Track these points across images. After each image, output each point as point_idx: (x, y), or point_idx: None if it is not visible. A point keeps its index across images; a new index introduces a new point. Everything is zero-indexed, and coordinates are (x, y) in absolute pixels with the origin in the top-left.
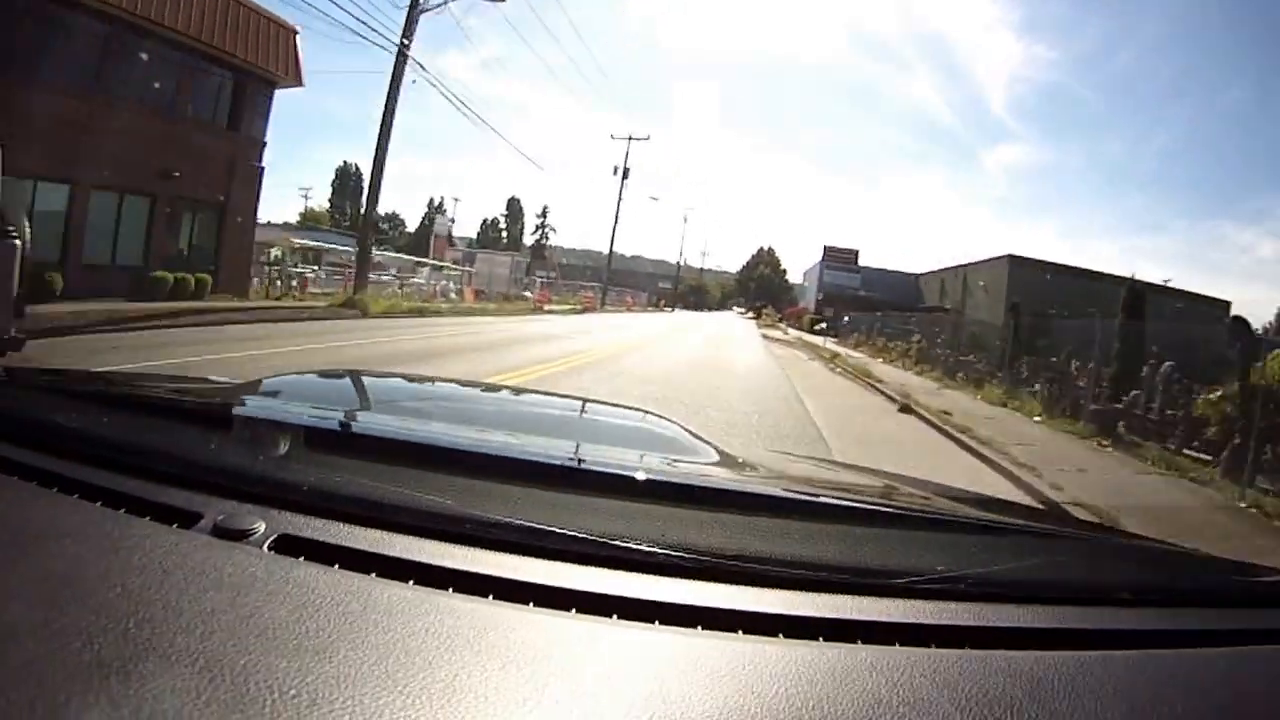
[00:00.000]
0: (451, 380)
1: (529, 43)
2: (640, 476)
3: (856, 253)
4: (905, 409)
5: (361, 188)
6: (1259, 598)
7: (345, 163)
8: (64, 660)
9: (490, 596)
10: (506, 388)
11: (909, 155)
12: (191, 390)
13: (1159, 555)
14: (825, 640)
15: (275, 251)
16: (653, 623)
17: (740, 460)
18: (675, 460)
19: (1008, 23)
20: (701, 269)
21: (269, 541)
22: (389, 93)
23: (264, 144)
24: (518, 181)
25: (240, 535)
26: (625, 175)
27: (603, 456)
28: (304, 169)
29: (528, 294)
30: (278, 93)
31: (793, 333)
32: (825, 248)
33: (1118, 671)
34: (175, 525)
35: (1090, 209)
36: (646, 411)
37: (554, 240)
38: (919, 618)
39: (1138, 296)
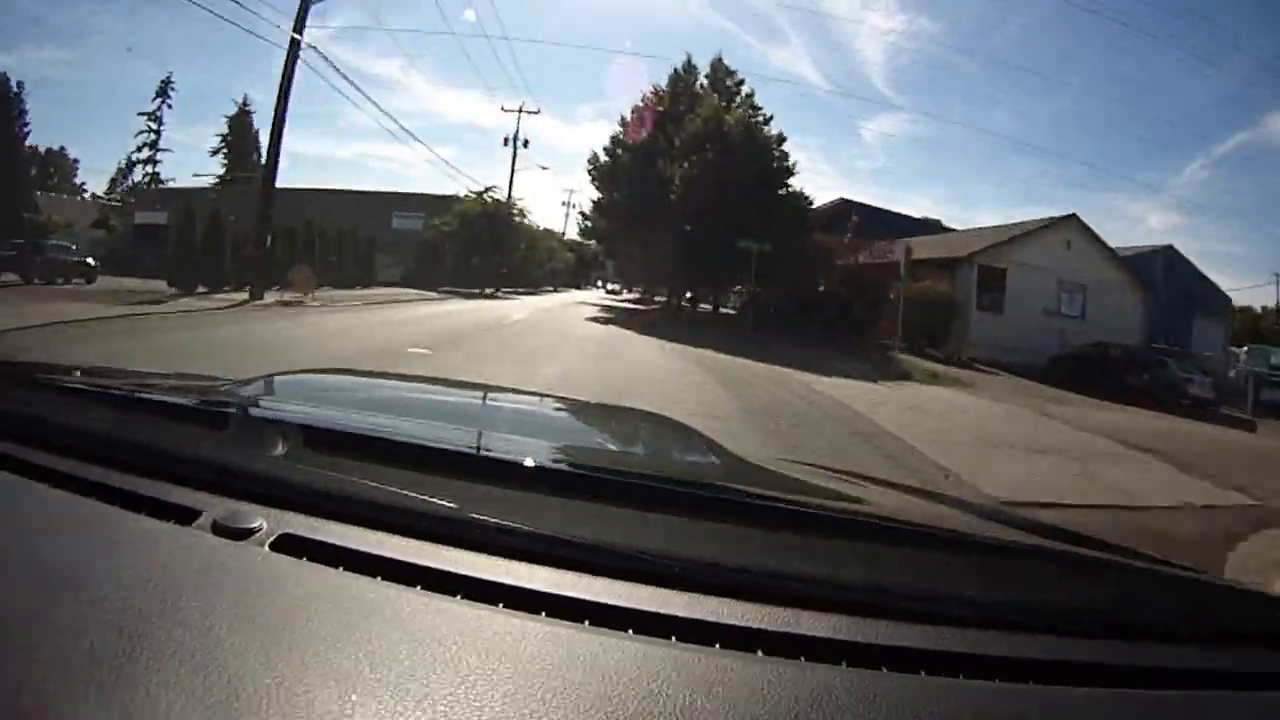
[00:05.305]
0: (454, 381)
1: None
2: (658, 486)
3: None
4: None
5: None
6: None
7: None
8: (56, 654)
9: (500, 605)
10: (510, 389)
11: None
12: (191, 387)
13: (1208, 588)
14: (849, 665)
15: None
16: (669, 638)
17: (759, 469)
18: (693, 468)
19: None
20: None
21: (270, 540)
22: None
23: None
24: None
25: (240, 534)
26: None
27: (617, 463)
28: None
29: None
30: None
31: None
32: None
33: (1158, 711)
34: (173, 522)
35: (976, 180)
36: (658, 415)
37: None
38: (947, 645)
39: None
